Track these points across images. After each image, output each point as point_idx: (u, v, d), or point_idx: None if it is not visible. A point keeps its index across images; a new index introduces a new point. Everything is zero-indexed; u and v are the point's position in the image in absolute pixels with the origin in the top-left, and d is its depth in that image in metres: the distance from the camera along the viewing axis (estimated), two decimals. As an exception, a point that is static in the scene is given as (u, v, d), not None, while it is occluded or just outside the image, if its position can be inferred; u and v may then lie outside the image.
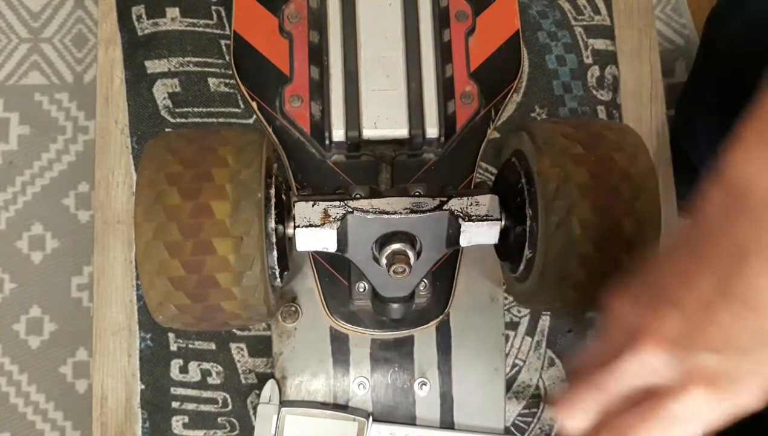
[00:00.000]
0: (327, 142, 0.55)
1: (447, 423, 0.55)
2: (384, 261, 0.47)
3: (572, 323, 0.57)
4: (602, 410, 0.36)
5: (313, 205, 0.47)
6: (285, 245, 0.47)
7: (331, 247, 0.48)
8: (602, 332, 0.36)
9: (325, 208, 0.47)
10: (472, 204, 0.48)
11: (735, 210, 0.31)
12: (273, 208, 0.45)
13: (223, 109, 0.59)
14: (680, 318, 0.32)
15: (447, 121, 0.56)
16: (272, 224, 0.45)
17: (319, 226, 0.47)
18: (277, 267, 0.46)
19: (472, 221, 0.48)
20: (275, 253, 0.46)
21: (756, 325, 0.31)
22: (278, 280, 0.47)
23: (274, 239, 0.45)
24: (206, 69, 0.59)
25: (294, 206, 0.47)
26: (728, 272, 0.31)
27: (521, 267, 0.47)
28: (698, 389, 0.33)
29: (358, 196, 0.48)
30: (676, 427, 0.34)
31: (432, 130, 0.55)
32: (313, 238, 0.47)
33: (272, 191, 0.45)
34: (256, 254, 0.41)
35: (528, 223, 0.46)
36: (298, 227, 0.47)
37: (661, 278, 0.34)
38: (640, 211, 0.43)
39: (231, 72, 0.59)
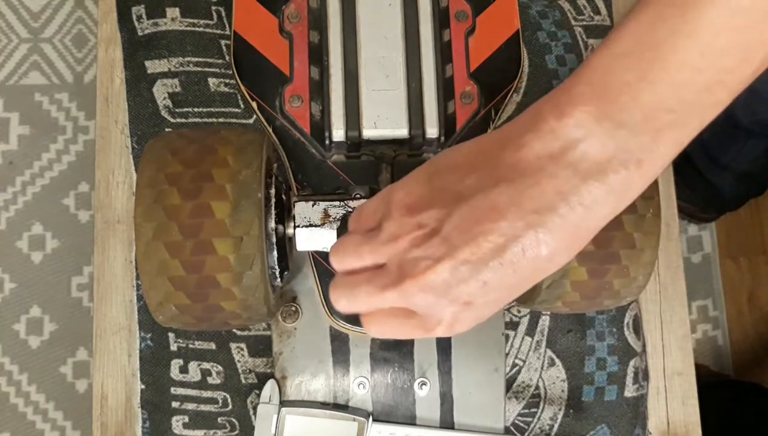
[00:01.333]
0: (327, 142, 0.55)
1: (447, 423, 0.55)
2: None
3: (572, 323, 0.57)
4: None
5: (313, 205, 0.47)
6: (285, 244, 0.47)
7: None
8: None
9: (325, 208, 0.47)
10: (472, 204, 0.48)
11: (547, 164, 0.31)
12: (273, 208, 0.45)
13: (223, 109, 0.59)
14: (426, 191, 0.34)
15: (447, 121, 0.56)
16: (272, 224, 0.45)
17: (319, 226, 0.47)
18: (277, 267, 0.46)
19: (472, 220, 0.48)
20: (275, 253, 0.46)
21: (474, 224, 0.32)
22: (278, 280, 0.47)
23: (274, 239, 0.45)
24: (206, 69, 0.59)
25: (294, 206, 0.47)
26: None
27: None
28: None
29: (358, 196, 0.48)
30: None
31: (432, 130, 0.55)
32: (313, 238, 0.47)
33: (272, 191, 0.45)
34: (256, 254, 0.41)
35: (528, 223, 0.46)
36: (298, 226, 0.47)
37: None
38: (641, 210, 0.43)
39: (231, 72, 0.59)
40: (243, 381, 0.56)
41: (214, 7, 0.61)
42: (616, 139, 0.30)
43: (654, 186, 0.44)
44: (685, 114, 0.31)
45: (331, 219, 0.47)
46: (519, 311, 0.58)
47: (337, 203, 0.47)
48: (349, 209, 0.47)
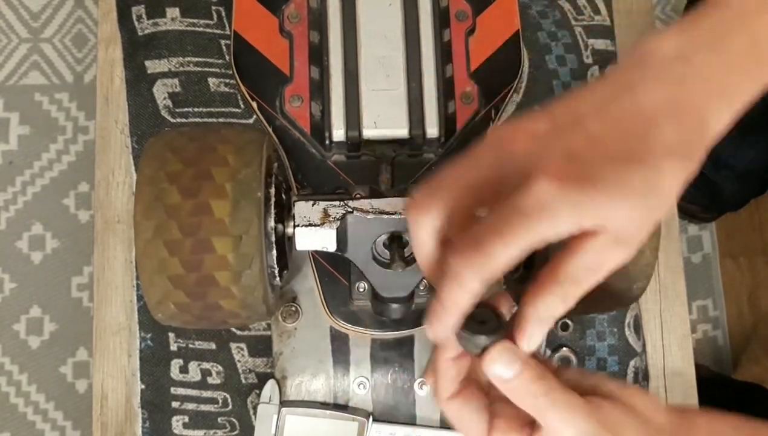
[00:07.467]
0: (327, 142, 0.55)
1: (447, 423, 0.55)
2: (384, 261, 0.47)
3: (572, 322, 0.57)
4: (457, 205, 0.35)
5: (313, 205, 0.47)
6: (284, 244, 0.47)
7: (331, 246, 0.48)
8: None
9: (325, 208, 0.47)
10: (472, 204, 0.48)
11: (634, 65, 0.34)
12: (273, 207, 0.45)
13: (223, 109, 0.59)
14: (549, 121, 0.33)
15: (447, 121, 0.56)
16: (272, 223, 0.45)
17: (318, 225, 0.47)
18: (276, 266, 0.46)
19: (472, 220, 0.47)
20: (275, 252, 0.46)
21: (621, 140, 0.32)
22: (278, 279, 0.47)
23: (273, 238, 0.45)
24: (206, 69, 0.59)
25: (294, 206, 0.47)
26: (608, 96, 0.33)
27: (521, 267, 0.47)
28: (546, 181, 0.31)
29: (358, 196, 0.48)
30: (522, 222, 0.31)
31: (432, 130, 0.55)
32: (313, 237, 0.47)
33: (272, 190, 0.45)
34: (256, 253, 0.41)
35: (528, 222, 0.46)
36: (298, 226, 0.47)
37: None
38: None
39: (231, 72, 0.59)
40: (243, 381, 0.56)
41: (214, 7, 0.61)
42: None
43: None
44: None
45: (330, 219, 0.47)
46: (519, 311, 0.57)
47: (337, 203, 0.47)
48: (349, 209, 0.47)
